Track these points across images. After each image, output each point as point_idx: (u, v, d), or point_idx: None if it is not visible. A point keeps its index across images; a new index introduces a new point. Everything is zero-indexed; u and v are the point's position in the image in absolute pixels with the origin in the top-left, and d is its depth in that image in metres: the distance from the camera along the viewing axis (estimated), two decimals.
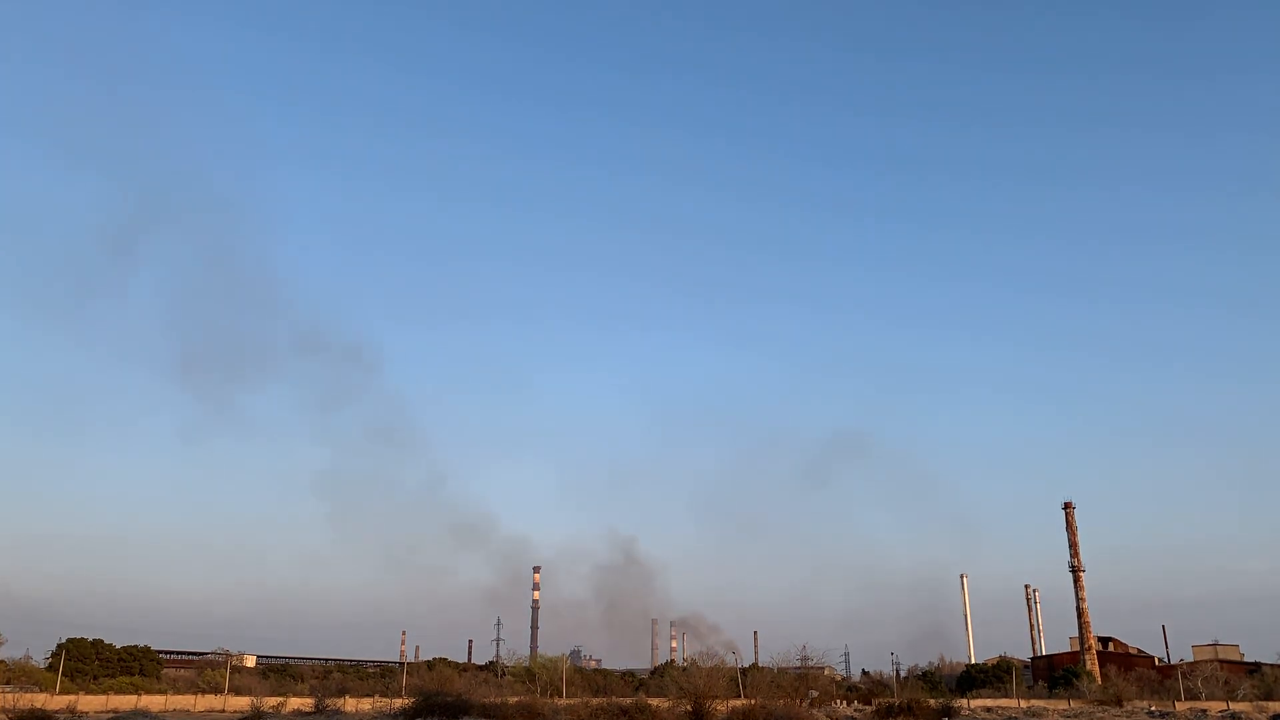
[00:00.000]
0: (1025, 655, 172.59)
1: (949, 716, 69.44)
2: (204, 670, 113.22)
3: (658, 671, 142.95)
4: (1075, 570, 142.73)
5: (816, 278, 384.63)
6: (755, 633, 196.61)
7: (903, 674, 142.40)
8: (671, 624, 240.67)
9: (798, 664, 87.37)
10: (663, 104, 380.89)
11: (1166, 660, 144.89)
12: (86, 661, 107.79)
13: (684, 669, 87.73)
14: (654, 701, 67.22)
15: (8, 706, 61.25)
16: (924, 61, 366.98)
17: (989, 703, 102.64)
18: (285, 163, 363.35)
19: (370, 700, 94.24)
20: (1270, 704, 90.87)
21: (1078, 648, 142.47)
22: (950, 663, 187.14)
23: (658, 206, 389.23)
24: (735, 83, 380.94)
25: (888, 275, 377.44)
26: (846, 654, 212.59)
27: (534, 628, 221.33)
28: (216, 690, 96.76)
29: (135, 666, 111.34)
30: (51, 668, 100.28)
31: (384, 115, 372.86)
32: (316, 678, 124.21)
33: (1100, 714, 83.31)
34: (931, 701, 75.63)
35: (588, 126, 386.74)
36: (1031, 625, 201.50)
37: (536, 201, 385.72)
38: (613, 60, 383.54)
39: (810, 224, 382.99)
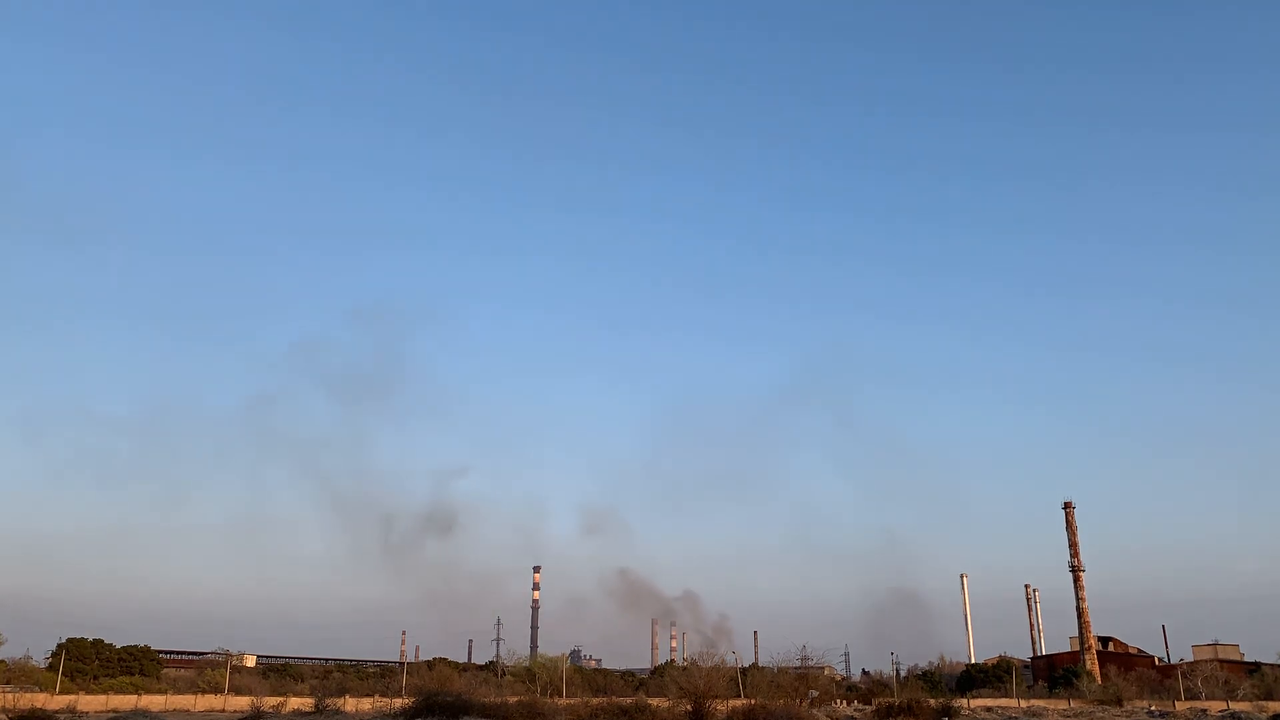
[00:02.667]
0: (1025, 655, 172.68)
1: (949, 716, 69.42)
2: (204, 670, 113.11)
3: (658, 671, 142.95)
4: (1075, 570, 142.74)
5: (811, 272, 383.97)
6: (755, 632, 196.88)
7: (903, 674, 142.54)
8: (672, 623, 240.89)
9: (798, 664, 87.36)
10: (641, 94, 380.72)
11: (1166, 660, 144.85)
12: (86, 661, 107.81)
13: (684, 669, 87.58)
14: (654, 701, 67.23)
15: (8, 706, 61.26)
16: (922, 58, 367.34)
17: (989, 702, 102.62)
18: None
19: (370, 700, 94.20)
20: (1270, 704, 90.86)
21: (1078, 647, 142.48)
22: (950, 662, 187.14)
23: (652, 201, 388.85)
24: (723, 76, 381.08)
25: (885, 271, 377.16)
26: (846, 654, 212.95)
27: (534, 628, 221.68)
28: (216, 690, 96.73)
29: (135, 666, 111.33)
30: (51, 668, 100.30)
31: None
32: (316, 678, 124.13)
33: (1100, 714, 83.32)
34: (931, 701, 75.63)
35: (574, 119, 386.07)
36: (1031, 625, 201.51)
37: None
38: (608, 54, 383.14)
39: (804, 216, 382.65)
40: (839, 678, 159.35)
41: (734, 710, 59.67)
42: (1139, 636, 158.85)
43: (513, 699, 69.55)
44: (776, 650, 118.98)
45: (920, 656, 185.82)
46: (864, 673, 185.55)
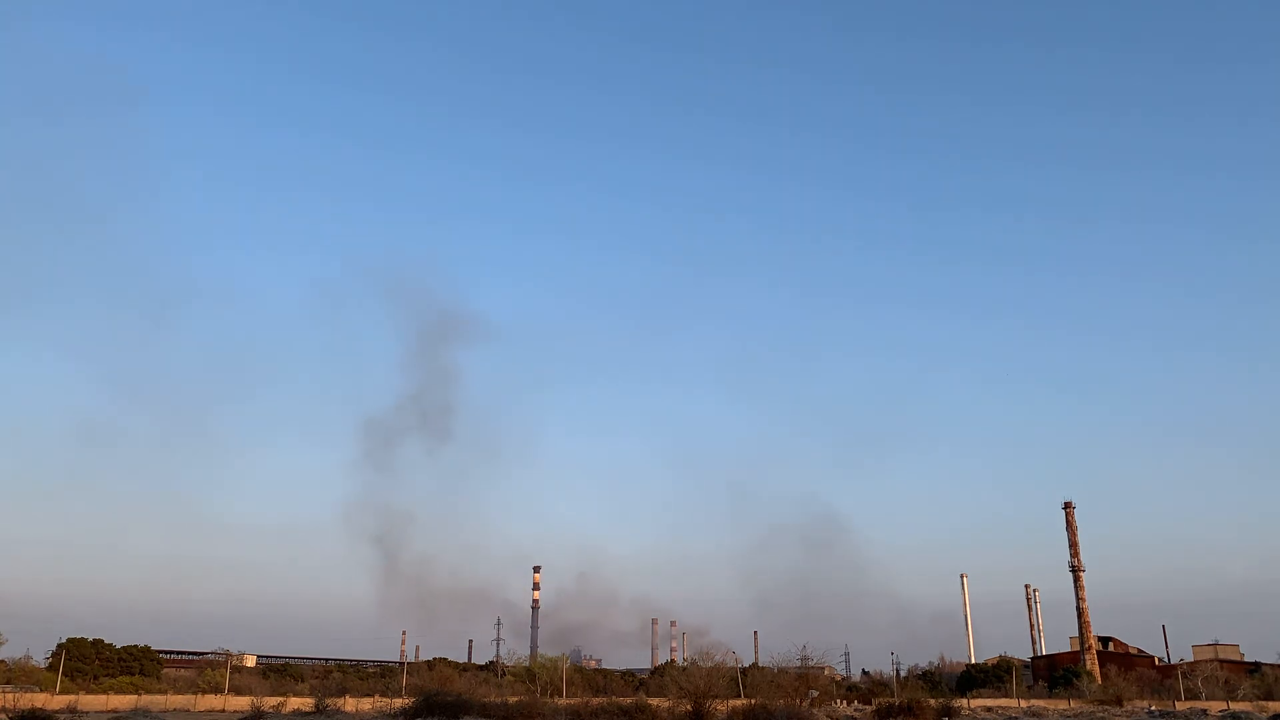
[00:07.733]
0: (1025, 655, 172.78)
1: (949, 716, 69.46)
2: (204, 670, 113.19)
3: (658, 671, 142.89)
4: (1075, 570, 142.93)
5: (810, 256, 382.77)
6: (755, 633, 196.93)
7: (903, 674, 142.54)
8: (672, 623, 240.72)
9: (798, 664, 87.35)
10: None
11: (1166, 660, 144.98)
12: (86, 661, 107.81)
13: (684, 669, 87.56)
14: (654, 701, 67.23)
15: (8, 706, 61.23)
16: (929, 39, 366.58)
17: (989, 702, 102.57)
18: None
19: (370, 700, 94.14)
20: (1270, 704, 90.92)
21: (1078, 647, 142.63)
22: (950, 662, 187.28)
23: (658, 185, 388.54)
24: (731, 61, 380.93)
25: (885, 257, 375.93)
26: (846, 654, 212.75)
27: (534, 628, 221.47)
28: (216, 690, 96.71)
29: (135, 666, 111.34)
30: (51, 668, 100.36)
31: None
32: (316, 678, 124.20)
33: (1100, 714, 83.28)
34: (931, 701, 75.63)
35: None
36: (1031, 625, 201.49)
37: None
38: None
39: (807, 200, 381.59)
40: (839, 678, 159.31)
41: (734, 710, 59.74)
42: (1139, 636, 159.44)
43: (513, 699, 69.64)
44: (777, 650, 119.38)
45: (919, 656, 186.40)
46: (864, 673, 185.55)
